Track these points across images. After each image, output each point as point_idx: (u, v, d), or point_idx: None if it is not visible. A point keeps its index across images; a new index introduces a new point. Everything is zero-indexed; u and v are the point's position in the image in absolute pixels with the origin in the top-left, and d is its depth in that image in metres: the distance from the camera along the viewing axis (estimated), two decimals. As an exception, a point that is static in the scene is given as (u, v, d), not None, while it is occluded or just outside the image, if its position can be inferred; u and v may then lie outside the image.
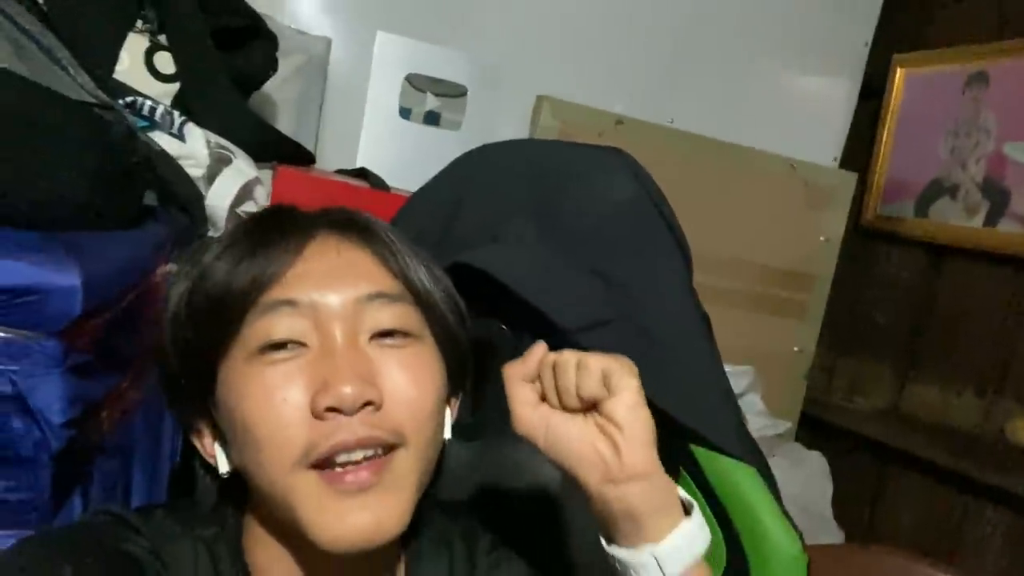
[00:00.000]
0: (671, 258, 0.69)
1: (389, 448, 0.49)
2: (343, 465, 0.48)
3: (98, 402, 0.63)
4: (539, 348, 0.54)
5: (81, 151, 0.64)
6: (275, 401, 0.48)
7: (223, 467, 0.54)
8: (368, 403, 0.48)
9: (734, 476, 0.66)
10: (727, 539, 0.67)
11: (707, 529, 0.52)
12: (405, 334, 0.52)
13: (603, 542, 0.52)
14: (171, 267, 0.83)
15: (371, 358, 0.50)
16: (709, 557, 0.68)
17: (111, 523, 0.52)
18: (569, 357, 0.52)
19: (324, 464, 0.48)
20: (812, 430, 1.78)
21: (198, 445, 0.57)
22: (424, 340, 0.54)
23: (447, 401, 0.57)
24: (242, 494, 0.56)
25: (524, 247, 0.69)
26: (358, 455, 0.48)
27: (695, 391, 0.69)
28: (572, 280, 0.69)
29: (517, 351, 0.72)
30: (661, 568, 0.49)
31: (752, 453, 0.67)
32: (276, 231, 0.53)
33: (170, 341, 0.55)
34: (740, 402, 1.55)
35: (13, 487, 0.55)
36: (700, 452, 0.68)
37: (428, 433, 0.51)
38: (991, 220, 1.53)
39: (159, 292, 0.78)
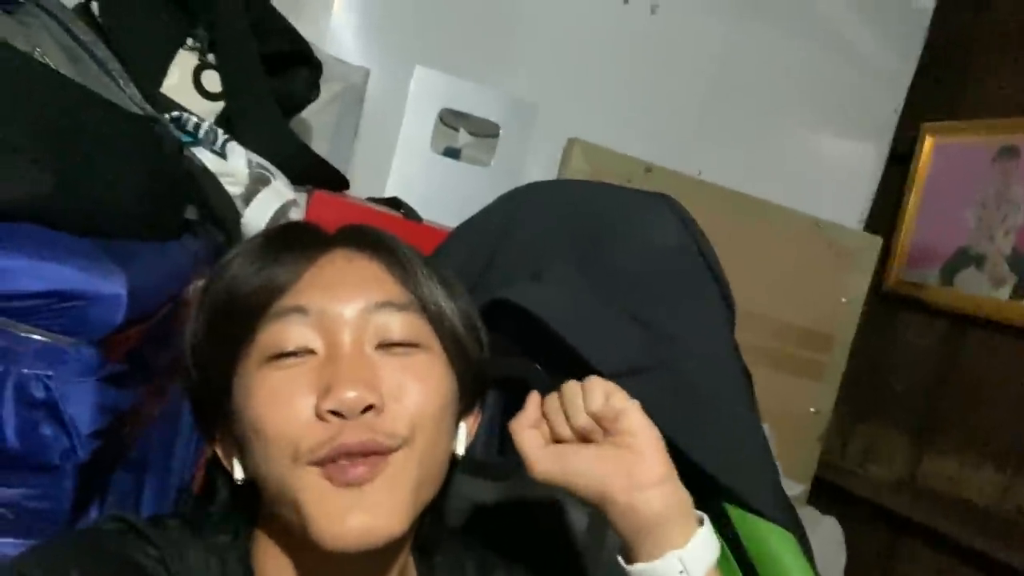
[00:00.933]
0: (715, 309, 0.68)
1: (389, 451, 0.50)
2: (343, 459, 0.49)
3: (124, 414, 0.61)
4: (534, 395, 0.59)
5: (134, 161, 0.64)
6: (281, 402, 0.49)
7: (238, 474, 0.55)
8: (369, 407, 0.49)
9: (768, 538, 0.64)
10: (757, 603, 0.64)
11: (715, 537, 0.55)
12: (412, 344, 0.53)
13: (624, 564, 0.54)
14: (200, 283, 0.83)
15: (375, 364, 0.51)
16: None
17: (121, 531, 0.52)
18: (572, 383, 0.57)
19: (325, 462, 0.49)
20: (825, 494, 1.74)
21: (218, 453, 0.58)
22: (431, 350, 0.54)
23: (460, 416, 0.57)
24: (255, 505, 0.56)
25: (565, 287, 0.69)
26: (359, 458, 0.49)
27: (733, 447, 0.67)
28: (613, 324, 0.68)
29: (552, 392, 0.71)
30: (687, 572, 0.51)
31: (789, 516, 0.65)
32: (291, 242, 0.55)
33: (190, 349, 0.56)
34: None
35: (35, 495, 0.54)
36: (734, 511, 0.66)
37: (429, 435, 0.51)
38: (1017, 293, 1.52)
39: (190, 308, 0.78)
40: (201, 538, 0.54)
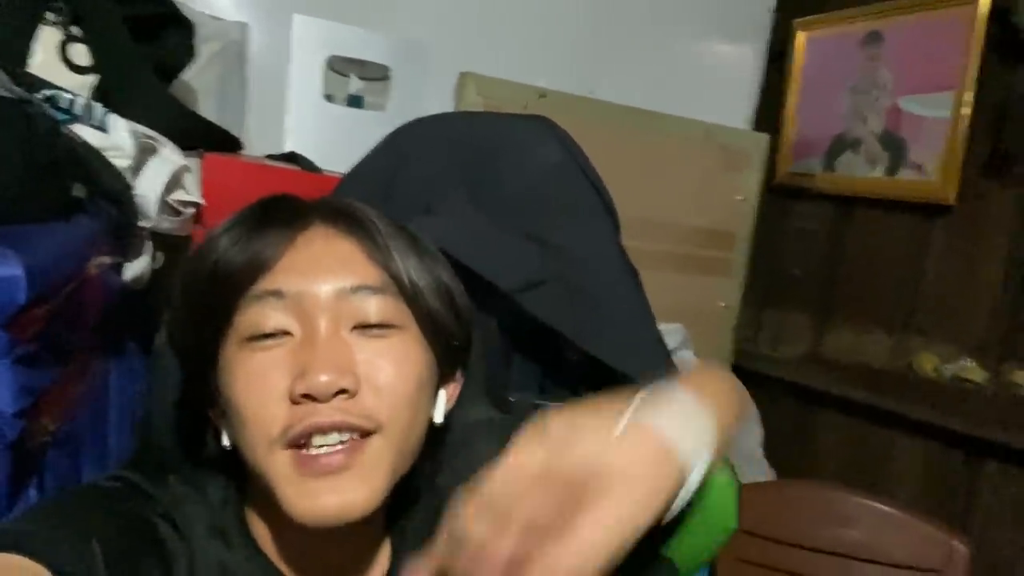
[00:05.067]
0: (599, 218, 0.73)
1: (364, 434, 0.51)
2: (319, 447, 0.50)
3: (45, 392, 0.63)
4: None
5: (6, 146, 0.63)
6: (258, 385, 0.51)
7: (225, 442, 0.56)
8: (342, 391, 0.50)
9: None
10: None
11: None
12: (387, 325, 0.54)
13: None
14: (105, 259, 0.83)
15: (350, 347, 0.52)
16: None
17: (126, 489, 0.53)
18: None
19: (300, 444, 0.50)
20: (743, 380, 1.86)
21: (212, 418, 0.59)
22: (407, 330, 0.55)
23: (438, 387, 0.58)
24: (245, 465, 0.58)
25: (458, 216, 0.72)
26: (333, 439, 0.50)
27: (628, 339, 0.73)
28: (506, 244, 0.72)
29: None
30: None
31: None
32: (270, 219, 0.55)
33: (171, 326, 0.57)
34: (674, 357, 1.62)
35: (-31, 479, 0.55)
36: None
37: (405, 419, 0.53)
38: (891, 170, 1.64)
39: (95, 284, 0.78)
40: (199, 494, 0.57)
